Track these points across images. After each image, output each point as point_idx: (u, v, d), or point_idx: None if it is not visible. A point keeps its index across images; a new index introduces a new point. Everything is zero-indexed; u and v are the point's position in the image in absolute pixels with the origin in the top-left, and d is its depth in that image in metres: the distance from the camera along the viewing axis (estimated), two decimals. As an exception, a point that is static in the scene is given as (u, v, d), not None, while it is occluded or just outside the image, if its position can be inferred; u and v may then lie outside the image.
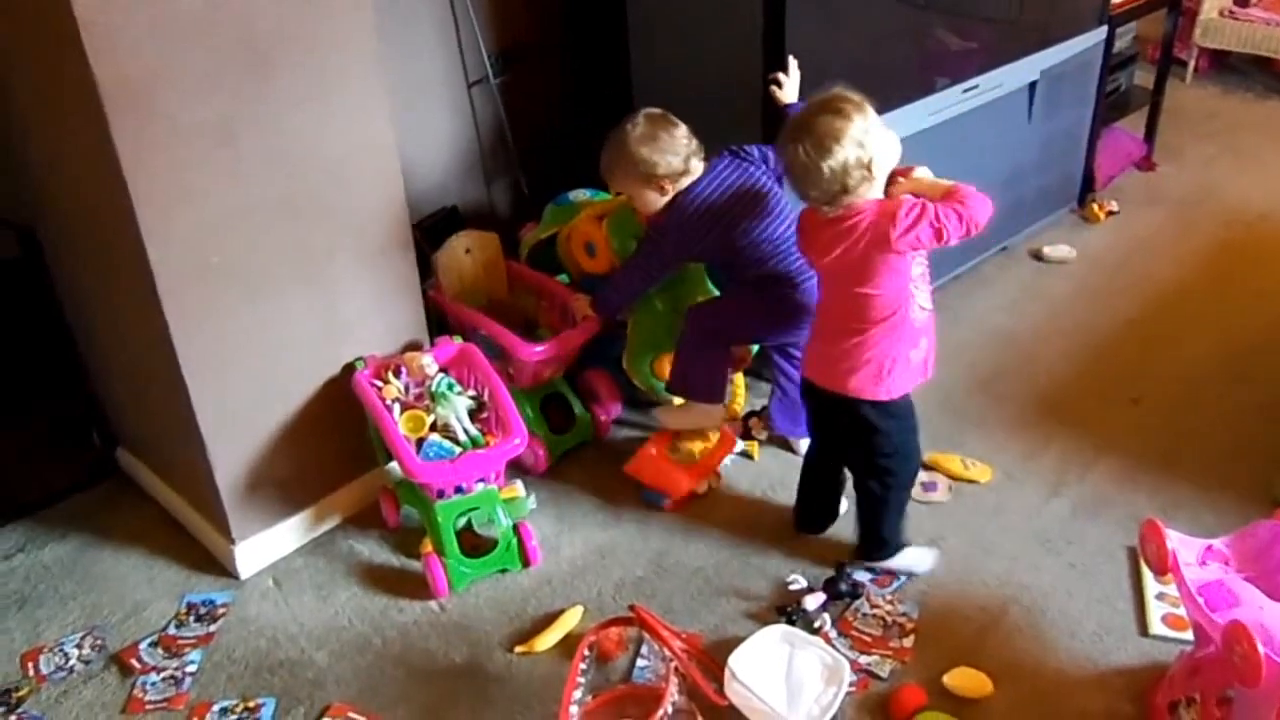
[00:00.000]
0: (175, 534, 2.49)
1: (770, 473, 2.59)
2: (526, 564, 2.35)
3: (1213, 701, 1.81)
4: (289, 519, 2.42)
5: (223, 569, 2.39)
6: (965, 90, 3.00)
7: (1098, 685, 2.05)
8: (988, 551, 2.36)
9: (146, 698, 2.10)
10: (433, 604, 2.28)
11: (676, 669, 1.91)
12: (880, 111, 2.75)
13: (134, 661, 2.18)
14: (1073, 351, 3.04)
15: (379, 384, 2.33)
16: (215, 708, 2.07)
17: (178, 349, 2.09)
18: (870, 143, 1.93)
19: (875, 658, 2.11)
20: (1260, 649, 1.63)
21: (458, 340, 2.50)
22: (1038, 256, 3.53)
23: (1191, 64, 4.86)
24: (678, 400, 2.59)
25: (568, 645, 2.13)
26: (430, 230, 2.95)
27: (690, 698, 1.95)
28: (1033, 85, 3.23)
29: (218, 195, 2.04)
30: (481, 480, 2.28)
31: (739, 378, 2.76)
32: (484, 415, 2.36)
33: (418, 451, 2.24)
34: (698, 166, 2.39)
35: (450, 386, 2.36)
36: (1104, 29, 3.46)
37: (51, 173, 2.25)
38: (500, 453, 2.27)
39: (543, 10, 3.25)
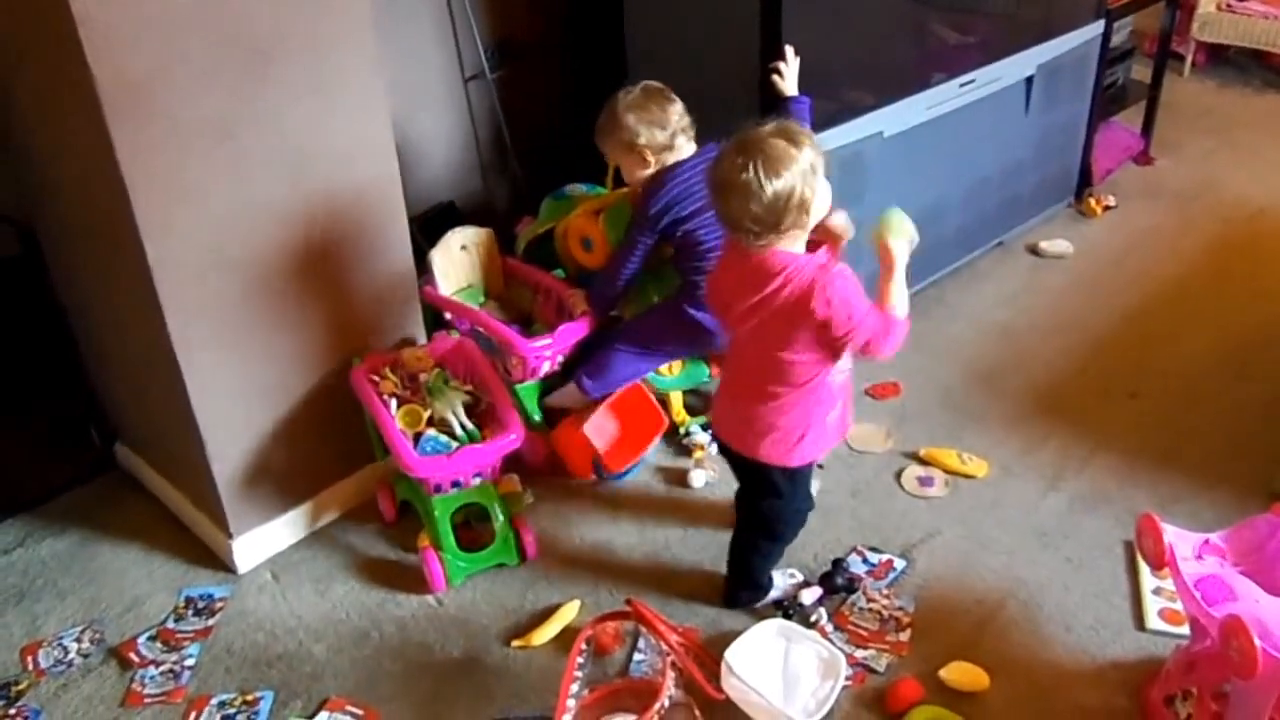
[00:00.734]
0: (173, 529, 2.50)
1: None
2: (523, 558, 2.36)
3: (1209, 696, 1.81)
4: (287, 513, 2.42)
5: (221, 563, 2.40)
6: (962, 84, 3.00)
7: (1094, 679, 2.06)
8: (984, 546, 2.36)
9: (145, 691, 2.10)
10: (430, 598, 2.29)
11: (673, 663, 1.91)
12: (876, 105, 2.79)
13: (133, 655, 2.18)
14: (1070, 346, 3.04)
15: (376, 379, 2.33)
16: (214, 701, 2.08)
17: (176, 345, 2.09)
18: (814, 184, 1.79)
19: (871, 652, 2.11)
20: (1257, 643, 1.63)
21: (454, 335, 2.51)
22: (1035, 251, 3.53)
23: (1189, 58, 4.85)
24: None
25: (565, 639, 2.14)
26: (427, 225, 2.95)
27: (687, 692, 1.95)
28: (1030, 79, 3.23)
29: (216, 192, 2.04)
30: (478, 475, 2.28)
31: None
32: (480, 410, 2.36)
33: (415, 446, 2.24)
34: (686, 146, 2.39)
35: (447, 381, 2.36)
36: (1101, 23, 3.46)
37: (51, 170, 2.24)
38: (496, 447, 2.27)
39: (539, 5, 3.24)
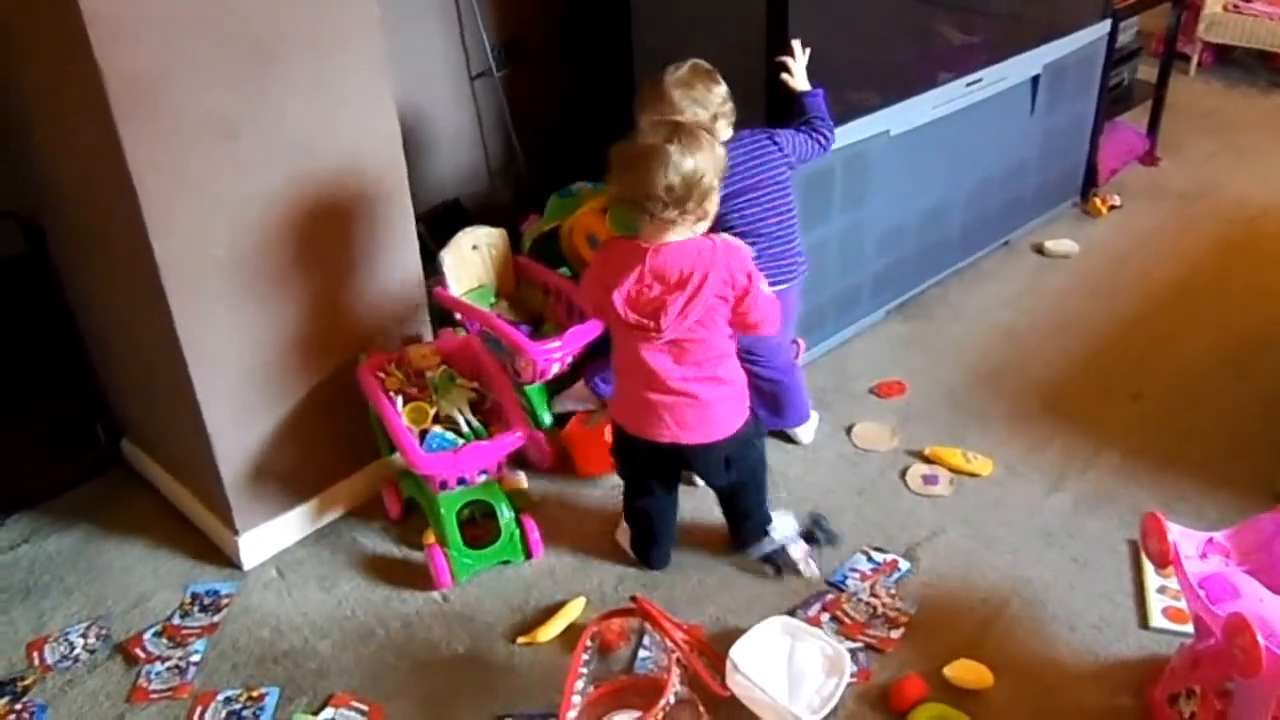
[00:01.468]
0: (179, 525, 2.50)
1: (774, 467, 2.58)
2: (529, 555, 2.36)
3: (1213, 694, 1.81)
4: (292, 510, 2.43)
5: (227, 559, 2.40)
6: (968, 84, 3.00)
7: (1098, 678, 2.06)
8: (989, 545, 2.37)
9: (151, 687, 2.11)
10: (435, 595, 2.29)
11: (678, 660, 1.91)
12: (882, 104, 2.79)
13: (138, 651, 2.19)
14: (1074, 346, 3.04)
15: (382, 376, 2.33)
16: (219, 697, 2.08)
17: (182, 341, 2.10)
18: (717, 184, 1.98)
19: (858, 644, 2.12)
20: (1261, 641, 1.63)
21: (460, 333, 2.51)
22: (1040, 251, 3.53)
23: (1195, 58, 4.85)
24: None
25: (570, 636, 2.14)
26: (433, 223, 2.95)
27: (692, 688, 1.96)
28: (1036, 79, 3.23)
29: (222, 188, 2.05)
30: (484, 472, 2.29)
31: None
32: (486, 407, 2.37)
33: (420, 443, 2.25)
34: (724, 130, 2.33)
35: (452, 378, 2.37)
36: (1107, 23, 3.46)
37: (57, 167, 2.25)
38: (502, 444, 2.27)
39: (546, 3, 3.25)
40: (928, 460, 2.61)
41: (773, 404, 2.62)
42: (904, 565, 2.31)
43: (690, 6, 2.81)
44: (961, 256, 3.35)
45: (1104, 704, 2.01)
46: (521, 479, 2.47)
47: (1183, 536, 1.85)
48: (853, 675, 2.04)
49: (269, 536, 2.40)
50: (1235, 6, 4.68)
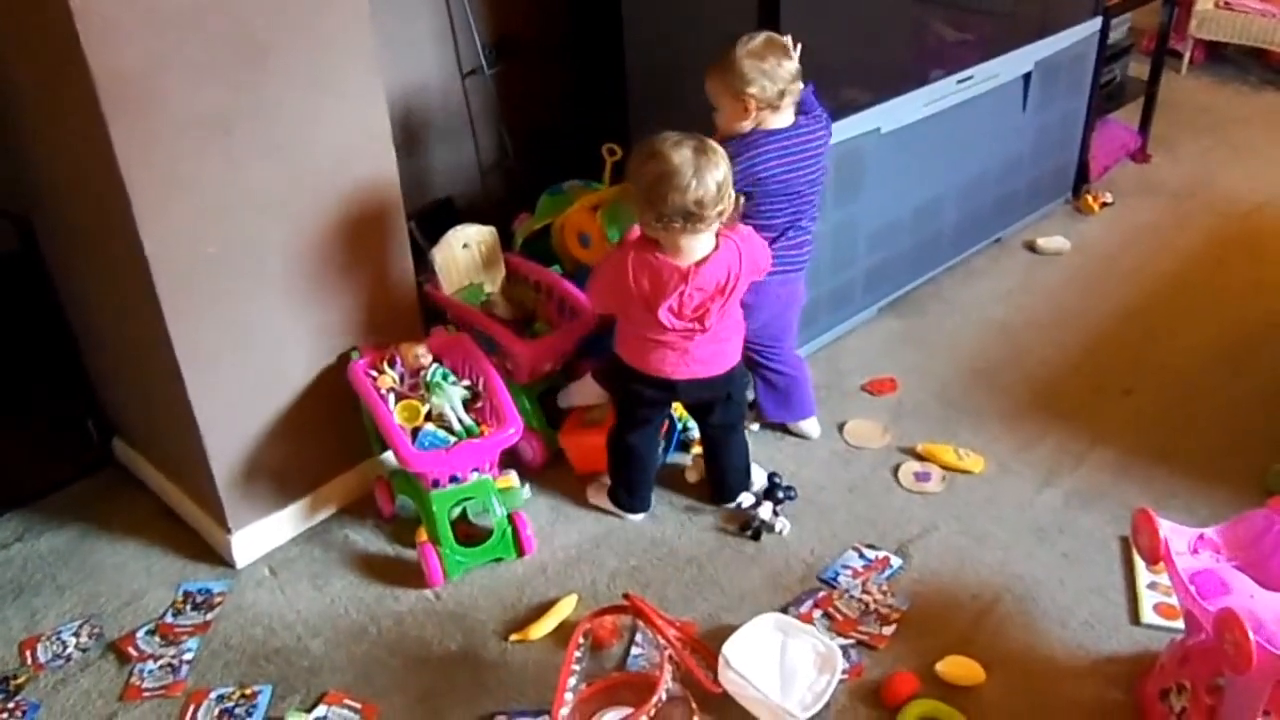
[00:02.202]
0: (172, 524, 2.50)
1: (766, 463, 2.59)
2: (521, 553, 2.36)
3: (1203, 689, 1.82)
4: (285, 508, 2.43)
5: (219, 558, 2.40)
6: (960, 81, 3.00)
7: (1089, 673, 2.06)
8: (980, 541, 2.37)
9: (144, 685, 2.11)
10: (428, 593, 2.29)
11: (671, 657, 1.92)
12: (874, 101, 2.79)
13: (131, 649, 2.18)
14: (1067, 343, 3.05)
15: (374, 374, 2.33)
16: (212, 695, 2.08)
17: (174, 339, 2.09)
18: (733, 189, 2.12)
19: (850, 640, 2.13)
20: (1251, 637, 1.64)
21: (452, 330, 2.51)
22: (1032, 248, 3.54)
23: (1187, 55, 4.86)
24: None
25: (562, 633, 2.15)
26: (424, 221, 2.95)
27: (684, 685, 1.96)
28: (1027, 76, 3.24)
29: (214, 186, 2.04)
30: (476, 470, 2.29)
31: None
32: (479, 405, 2.37)
33: (413, 441, 2.25)
34: (786, 110, 2.34)
35: (445, 376, 2.37)
36: (1099, 20, 3.47)
37: (49, 164, 2.25)
38: (495, 442, 2.27)
39: (537, 1, 3.24)
40: (920, 457, 2.62)
41: (782, 398, 2.64)
42: (896, 562, 2.32)
43: (682, 4, 2.81)
44: (953, 253, 3.36)
45: (1095, 699, 2.01)
46: (513, 477, 2.46)
47: (1173, 532, 1.86)
48: (845, 672, 2.05)
49: (261, 535, 2.40)
50: (1227, 3, 4.69)
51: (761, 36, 2.30)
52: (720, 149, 2.08)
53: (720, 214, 2.07)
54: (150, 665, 2.15)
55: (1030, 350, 3.02)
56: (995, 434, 2.69)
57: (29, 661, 2.17)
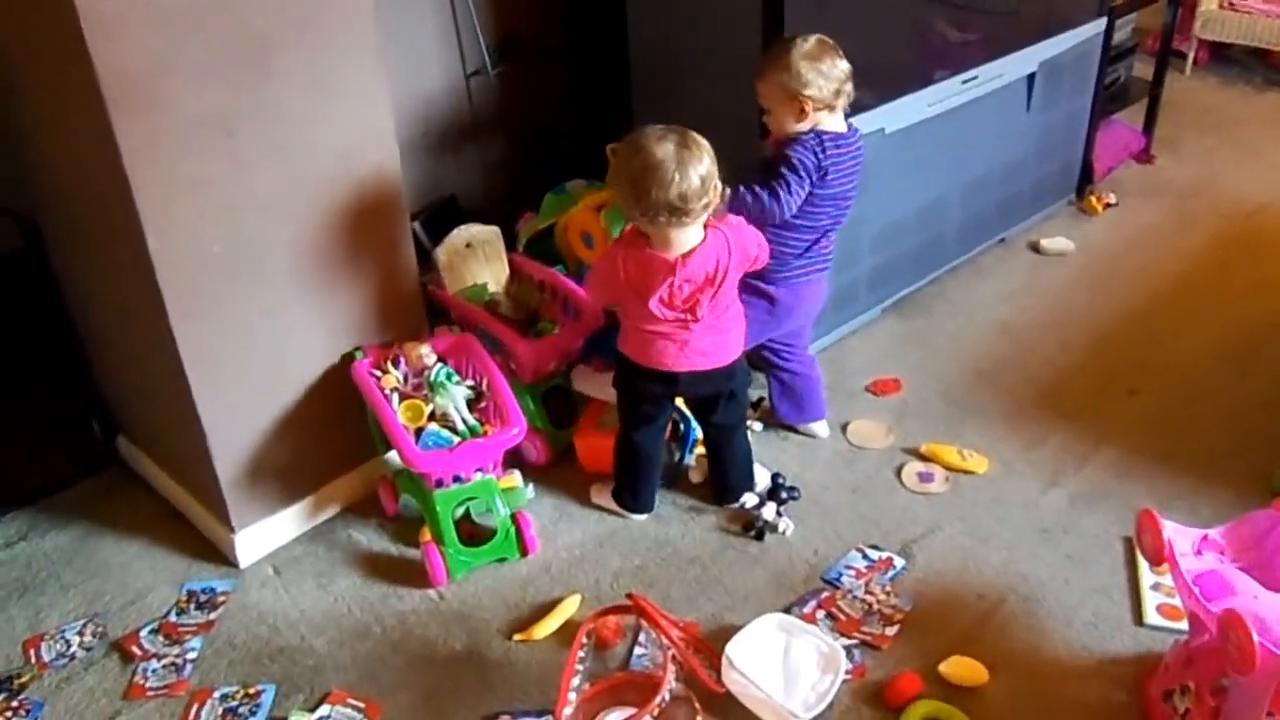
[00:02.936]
0: (176, 523, 2.50)
1: (770, 464, 2.59)
2: (525, 553, 2.36)
3: (1207, 690, 1.82)
4: (288, 508, 2.43)
5: (223, 557, 2.40)
6: (964, 81, 3.00)
7: (1093, 674, 2.06)
8: (985, 541, 2.37)
9: (147, 684, 2.11)
10: (431, 592, 2.30)
11: (674, 657, 1.92)
12: (878, 102, 2.79)
13: (135, 648, 2.19)
14: (1070, 343, 3.05)
15: (378, 373, 2.34)
16: (216, 694, 2.08)
17: (178, 338, 2.10)
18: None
19: (854, 641, 2.13)
20: (1255, 638, 1.63)
21: (456, 330, 2.51)
22: (1036, 249, 3.53)
23: (1191, 56, 4.85)
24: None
25: (566, 633, 2.15)
26: (429, 220, 2.95)
27: (688, 685, 1.96)
28: (1031, 76, 3.23)
29: (218, 185, 2.05)
30: (480, 469, 2.29)
31: None
32: (482, 405, 2.37)
33: (416, 441, 2.25)
34: (838, 112, 2.35)
35: (449, 376, 2.37)
36: (1103, 20, 3.46)
37: (53, 164, 2.25)
38: (498, 442, 2.27)
39: (541, 1, 3.25)
40: (923, 458, 2.61)
41: (797, 400, 2.64)
42: (899, 562, 2.31)
43: (685, 4, 2.81)
44: (957, 254, 3.36)
45: (1099, 700, 2.01)
46: (517, 477, 2.47)
47: (1177, 533, 1.86)
48: (848, 672, 2.04)
49: (265, 534, 2.40)
50: (1231, 4, 4.68)
51: (814, 38, 2.31)
52: (704, 142, 2.07)
53: (706, 206, 2.07)
54: (154, 664, 2.15)
55: (1034, 351, 3.02)
56: (999, 434, 2.69)
57: (33, 660, 2.17)
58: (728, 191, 2.14)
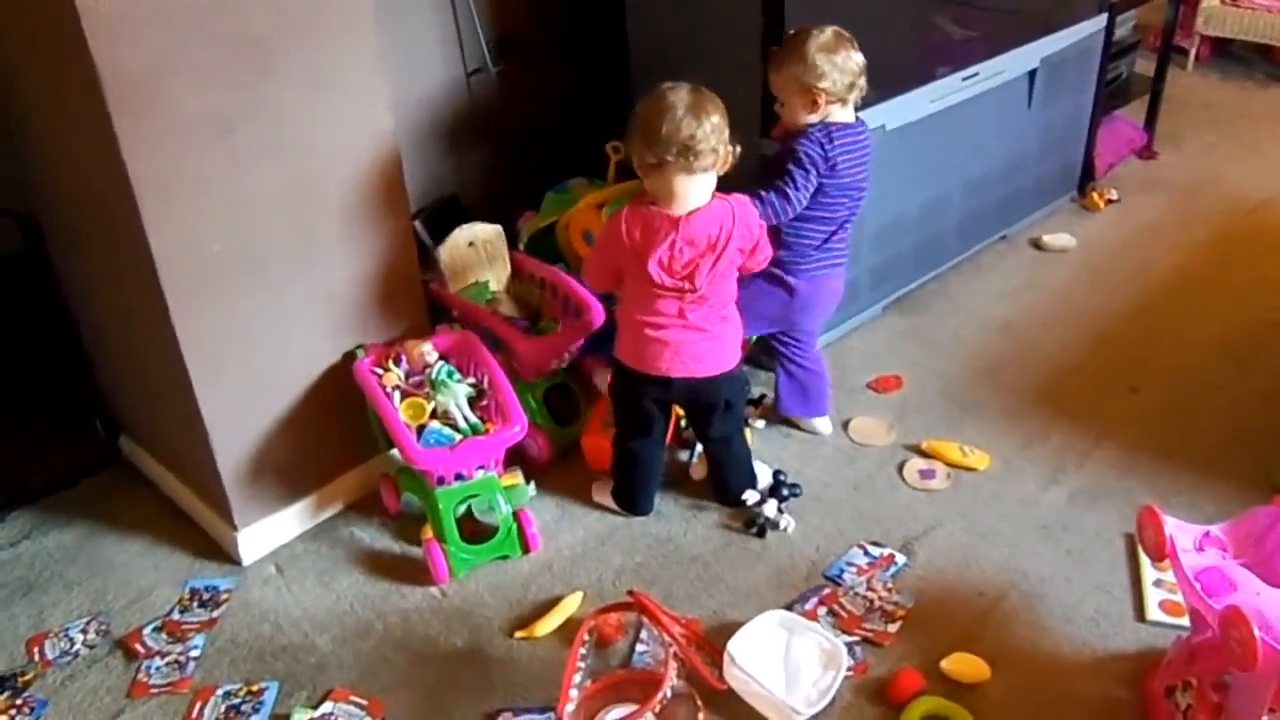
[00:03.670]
0: (178, 521, 2.51)
1: (771, 461, 2.59)
2: (526, 550, 2.37)
3: (1209, 686, 1.82)
4: (291, 506, 2.43)
5: (226, 555, 2.41)
6: (965, 78, 3.00)
7: (1095, 671, 2.06)
8: (986, 538, 2.37)
9: (151, 682, 2.12)
10: (433, 590, 2.30)
11: (675, 654, 1.92)
12: (879, 99, 2.79)
13: (138, 646, 2.19)
14: (1072, 340, 3.05)
15: (379, 371, 2.34)
16: (219, 691, 2.09)
17: (180, 337, 2.10)
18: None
19: (856, 638, 2.13)
20: (1257, 634, 1.63)
21: (457, 328, 2.51)
22: (1037, 245, 3.53)
23: (1193, 52, 4.85)
24: None
25: (567, 630, 2.15)
26: (430, 218, 2.95)
27: (689, 682, 1.97)
28: (1033, 73, 3.23)
29: (219, 184, 2.05)
30: (481, 467, 2.29)
31: None
32: (484, 403, 2.37)
33: (418, 438, 2.25)
34: (853, 101, 2.36)
35: (450, 374, 2.37)
36: (1105, 16, 3.46)
37: (55, 163, 2.25)
38: (500, 440, 2.28)
39: (542, -1, 3.25)
40: (925, 454, 2.61)
41: (803, 392, 2.65)
42: (901, 559, 2.32)
43: (687, 1, 2.81)
44: (959, 251, 3.36)
45: (1100, 697, 2.01)
46: (519, 475, 2.47)
47: (1179, 530, 1.86)
48: (850, 669, 2.05)
49: (267, 532, 2.41)
50: (1233, 0, 4.68)
51: (830, 30, 2.31)
52: (719, 101, 2.10)
53: (715, 158, 2.08)
54: (157, 662, 2.16)
55: (1035, 347, 3.02)
56: (1000, 431, 2.69)
57: (37, 658, 2.18)
58: (738, 150, 2.14)
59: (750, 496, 2.43)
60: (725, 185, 2.18)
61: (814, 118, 2.34)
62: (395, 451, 2.42)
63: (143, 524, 2.51)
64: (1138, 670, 2.04)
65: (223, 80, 1.98)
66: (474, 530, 2.39)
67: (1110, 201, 3.75)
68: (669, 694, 1.86)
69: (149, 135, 1.92)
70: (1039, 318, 3.16)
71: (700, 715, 1.94)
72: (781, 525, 2.40)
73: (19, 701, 2.09)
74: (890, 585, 2.25)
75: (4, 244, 2.48)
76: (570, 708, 1.87)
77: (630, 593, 2.04)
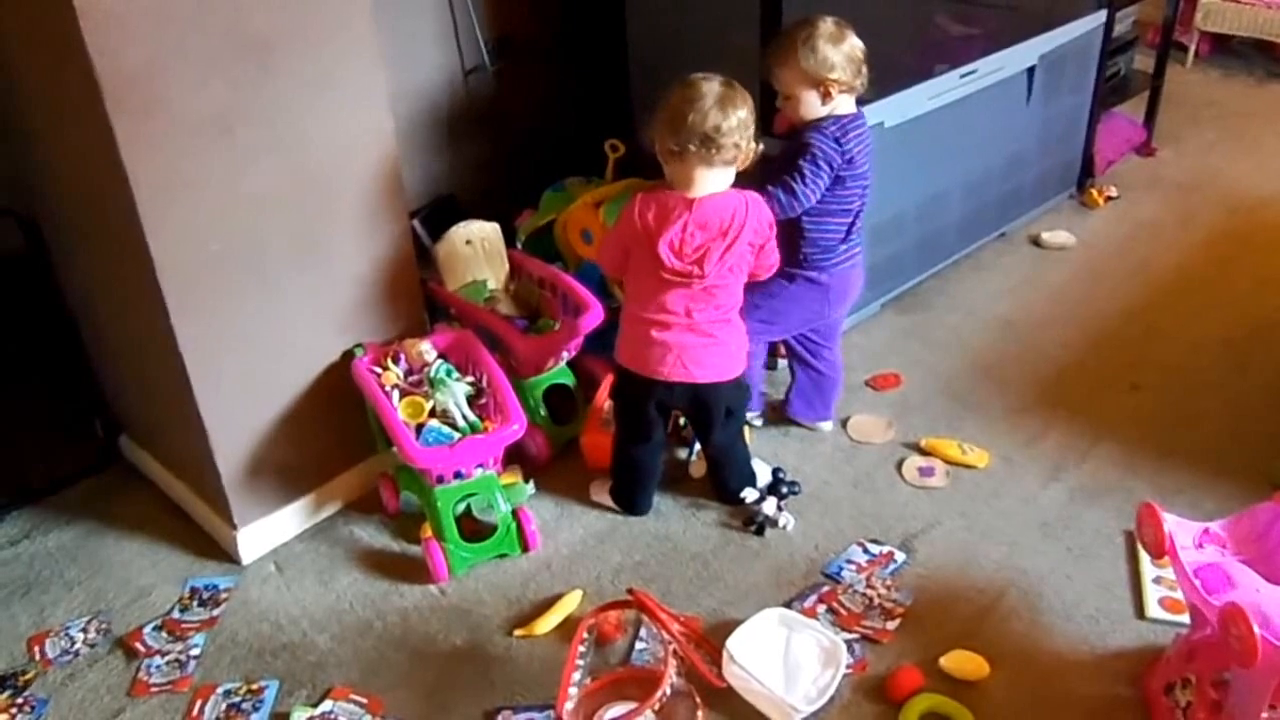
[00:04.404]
0: (178, 520, 2.51)
1: (770, 459, 2.59)
2: (526, 549, 2.37)
3: (1209, 683, 1.82)
4: (290, 505, 2.43)
5: (225, 554, 2.41)
6: (964, 75, 3.00)
7: (1095, 668, 2.06)
8: (985, 536, 2.37)
9: (151, 680, 2.12)
10: (433, 588, 2.30)
11: (675, 651, 1.92)
12: (878, 96, 2.79)
13: (139, 645, 2.19)
14: (1071, 338, 3.05)
15: (378, 370, 2.34)
16: (219, 690, 2.09)
17: (179, 337, 2.10)
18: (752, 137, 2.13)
19: (855, 636, 2.13)
20: (1256, 631, 1.63)
21: (455, 326, 2.51)
22: (1036, 243, 3.53)
23: (1192, 48, 4.85)
24: None
25: (567, 628, 2.15)
26: (428, 217, 2.95)
27: (689, 680, 1.97)
28: (1031, 70, 3.23)
29: (217, 184, 2.05)
30: (480, 465, 2.29)
31: None
32: (482, 401, 2.37)
33: (417, 437, 2.25)
34: (858, 90, 2.35)
35: (449, 372, 2.37)
36: (1104, 13, 3.46)
37: (54, 164, 2.25)
38: (499, 438, 2.28)
39: (540, -2, 3.25)
40: (924, 452, 2.61)
41: (813, 397, 2.66)
42: (900, 557, 2.32)
43: (685, 0, 2.81)
44: (958, 248, 3.36)
45: (1100, 694, 2.01)
46: (518, 473, 2.47)
47: (1179, 526, 1.86)
48: (849, 666, 2.05)
49: (267, 531, 2.41)
50: (1233, -4, 4.68)
51: (829, 20, 2.30)
52: (749, 97, 2.11)
53: (736, 152, 2.09)
54: (157, 661, 2.16)
55: (1035, 345, 3.02)
56: (1000, 429, 2.69)
57: (37, 657, 2.18)
58: (760, 149, 2.14)
59: (749, 494, 2.43)
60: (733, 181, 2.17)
61: (824, 110, 2.33)
62: (394, 450, 2.42)
63: (142, 523, 2.51)
64: (1137, 667, 2.04)
65: (222, 79, 1.98)
66: (473, 529, 2.39)
67: (1109, 199, 3.75)
68: (668, 692, 1.86)
69: (148, 135, 1.92)
70: (1038, 315, 3.16)
71: (699, 713, 1.94)
72: (781, 523, 2.40)
73: (20, 700, 2.09)
74: (889, 583, 2.25)
75: (4, 244, 2.48)
76: (569, 706, 1.87)
77: (629, 591, 2.04)
